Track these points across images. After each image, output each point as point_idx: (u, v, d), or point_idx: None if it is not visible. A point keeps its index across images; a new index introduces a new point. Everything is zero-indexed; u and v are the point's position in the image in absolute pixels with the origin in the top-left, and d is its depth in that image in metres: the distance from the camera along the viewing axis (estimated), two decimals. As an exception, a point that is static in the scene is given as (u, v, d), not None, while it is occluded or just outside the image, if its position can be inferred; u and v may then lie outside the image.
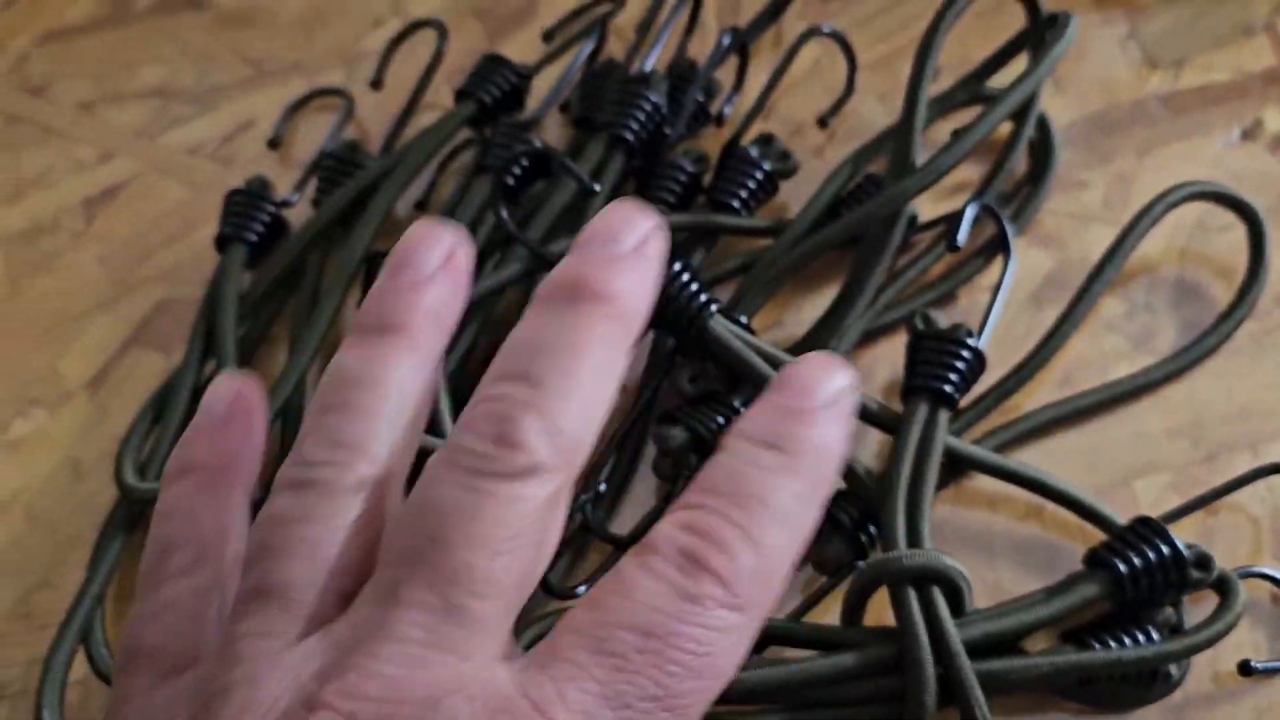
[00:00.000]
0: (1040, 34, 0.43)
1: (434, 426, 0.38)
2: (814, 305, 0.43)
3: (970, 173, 0.45)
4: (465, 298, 0.24)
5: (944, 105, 0.44)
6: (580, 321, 0.22)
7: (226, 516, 0.24)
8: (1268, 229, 0.42)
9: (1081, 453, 0.40)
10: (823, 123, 0.45)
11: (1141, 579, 0.34)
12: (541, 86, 0.46)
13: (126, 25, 0.50)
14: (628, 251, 0.23)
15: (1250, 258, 0.42)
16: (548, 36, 0.48)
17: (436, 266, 0.24)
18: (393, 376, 0.23)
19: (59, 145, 0.48)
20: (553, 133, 0.47)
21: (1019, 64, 0.45)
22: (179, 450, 0.26)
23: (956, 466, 0.38)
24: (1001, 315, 0.41)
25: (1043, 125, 0.44)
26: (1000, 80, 0.45)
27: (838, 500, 0.38)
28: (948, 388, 0.37)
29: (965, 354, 0.37)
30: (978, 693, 0.32)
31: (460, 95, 0.45)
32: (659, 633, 0.20)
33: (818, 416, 0.22)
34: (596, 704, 0.19)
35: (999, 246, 0.41)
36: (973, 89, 0.45)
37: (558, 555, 0.38)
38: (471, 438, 0.21)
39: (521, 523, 0.21)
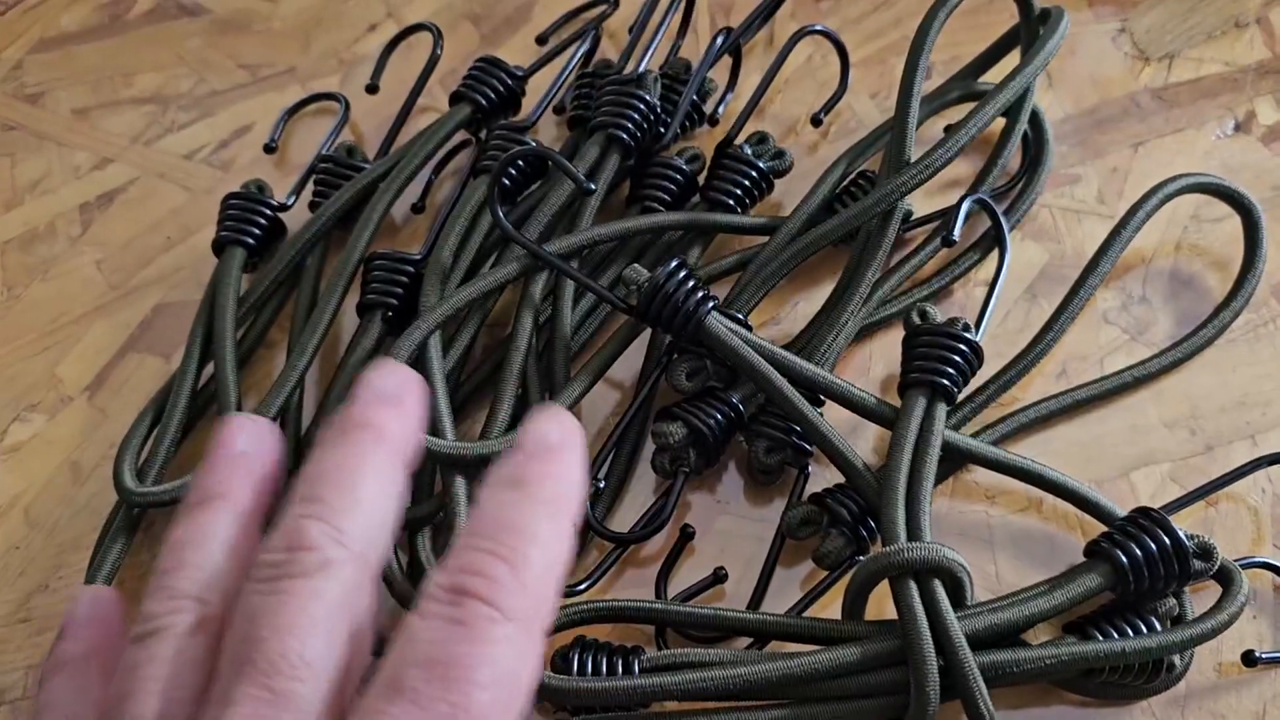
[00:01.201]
0: (1032, 30, 0.43)
1: (433, 430, 0.38)
2: (810, 301, 0.43)
3: (964, 169, 0.45)
4: (277, 462, 0.28)
5: (937, 102, 0.44)
6: (351, 449, 0.26)
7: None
8: (1263, 220, 0.42)
9: (1079, 445, 0.40)
10: (816, 121, 0.45)
11: (1143, 570, 0.34)
12: (537, 89, 0.46)
13: (122, 32, 0.51)
14: (389, 395, 0.27)
15: (1246, 249, 0.42)
16: (542, 39, 0.48)
17: (243, 448, 0.28)
18: (218, 534, 0.26)
19: (55, 152, 0.48)
20: (548, 134, 0.47)
21: (1012, 60, 0.45)
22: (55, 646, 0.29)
23: (954, 460, 0.38)
24: (997, 309, 0.41)
25: (1036, 120, 0.44)
26: (993, 77, 0.45)
27: (836, 496, 0.38)
28: (945, 381, 0.37)
29: (962, 347, 0.37)
30: (981, 685, 0.32)
31: (455, 98, 0.45)
32: (441, 660, 0.22)
33: (549, 454, 0.25)
34: None
35: (994, 241, 0.41)
36: (966, 85, 0.45)
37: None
38: (269, 553, 0.25)
39: (324, 610, 0.24)
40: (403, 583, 0.37)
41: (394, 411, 0.26)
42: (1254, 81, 0.47)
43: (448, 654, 0.22)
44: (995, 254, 0.41)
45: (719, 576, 0.38)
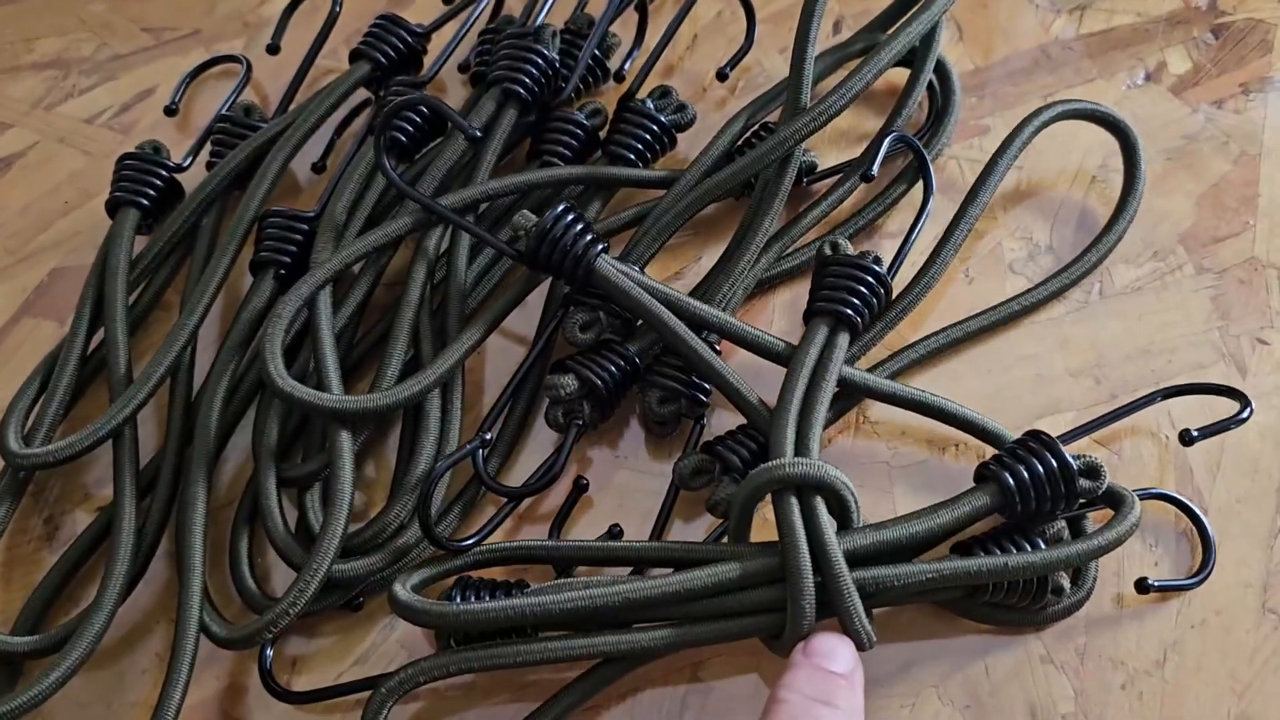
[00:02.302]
0: (936, -21, 0.42)
1: (320, 386, 0.37)
2: (711, 256, 0.43)
3: (871, 124, 0.45)
4: None
5: (841, 54, 0.44)
6: None
7: None
8: (1139, 142, 0.42)
9: (985, 396, 0.39)
10: (722, 75, 0.45)
11: (1029, 490, 0.34)
12: (439, 45, 0.46)
13: (24, -2, 0.50)
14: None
15: (1125, 171, 0.42)
16: (448, -2, 0.48)
17: None
18: None
19: (-45, 119, 0.48)
20: (455, 94, 0.47)
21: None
22: None
23: (852, 396, 0.38)
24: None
25: (942, 70, 0.44)
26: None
27: (728, 443, 0.37)
28: (849, 311, 0.37)
29: (869, 279, 0.37)
30: (856, 601, 0.32)
31: (354, 55, 0.44)
32: None
33: (852, 682, 0.31)
34: None
35: (916, 176, 0.41)
36: (872, 38, 0.45)
37: (447, 510, 0.38)
38: None
39: None
40: (284, 537, 0.36)
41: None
42: (1165, 32, 0.46)
43: None
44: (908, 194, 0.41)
45: (613, 533, 0.37)
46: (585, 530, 0.38)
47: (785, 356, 0.37)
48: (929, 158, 0.41)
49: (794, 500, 0.33)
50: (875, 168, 0.39)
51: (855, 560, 0.33)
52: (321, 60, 0.47)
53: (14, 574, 0.39)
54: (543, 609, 0.32)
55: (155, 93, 0.47)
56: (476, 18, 0.45)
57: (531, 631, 0.34)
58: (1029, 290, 0.41)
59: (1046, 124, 0.41)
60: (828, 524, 0.33)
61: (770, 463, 0.33)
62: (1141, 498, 0.36)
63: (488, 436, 0.37)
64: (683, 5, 0.44)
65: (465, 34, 0.45)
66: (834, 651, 0.32)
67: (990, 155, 0.41)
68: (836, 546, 0.32)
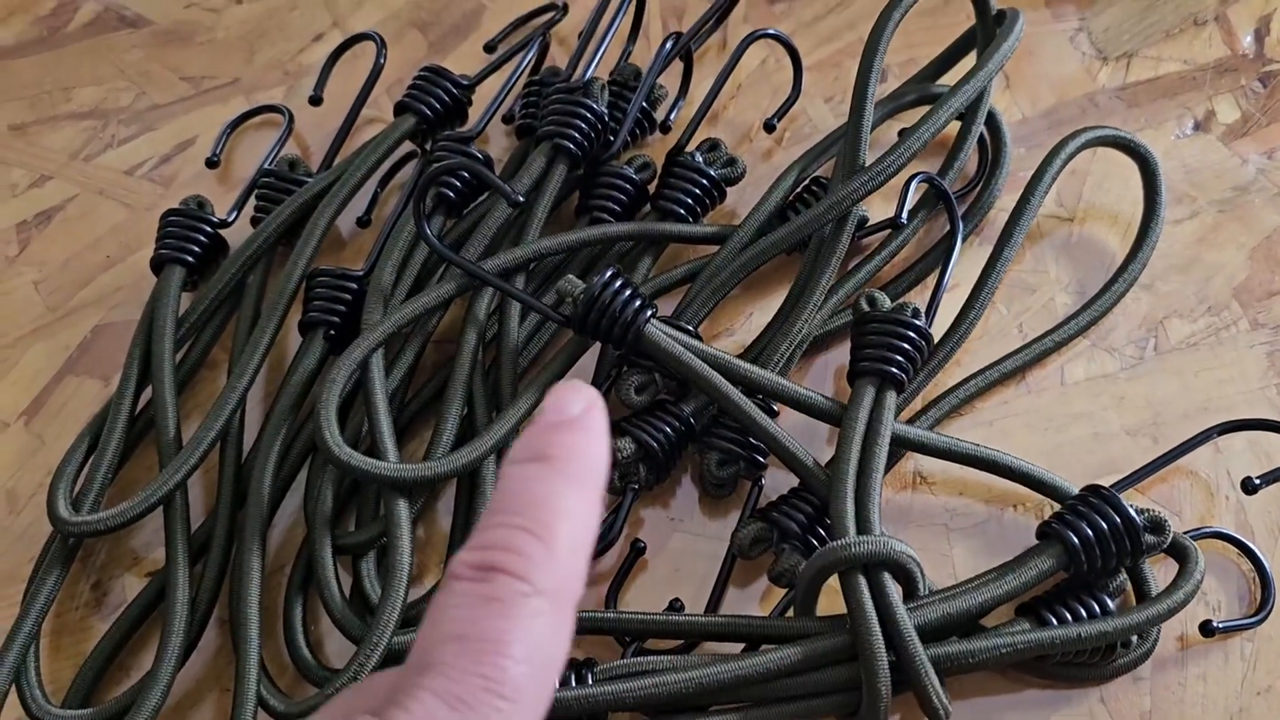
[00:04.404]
0: (989, 32, 0.42)
1: (376, 452, 0.37)
2: (765, 312, 0.42)
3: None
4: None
5: (892, 105, 0.44)
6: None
7: None
8: (1160, 169, 0.42)
9: (1040, 454, 0.39)
10: (769, 126, 0.44)
11: (1095, 548, 0.34)
12: (485, 98, 0.45)
13: (60, 46, 0.49)
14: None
15: (1145, 197, 0.42)
16: (490, 47, 0.47)
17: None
18: None
19: (-7, 170, 0.47)
20: (498, 144, 0.46)
21: (970, 63, 0.44)
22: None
23: (903, 448, 0.38)
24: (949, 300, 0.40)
25: (993, 122, 0.43)
26: (951, 79, 0.44)
27: (784, 508, 0.37)
28: (894, 370, 0.36)
29: (911, 334, 0.37)
30: (933, 678, 0.32)
31: (399, 109, 0.44)
32: (473, 635, 0.22)
33: (573, 426, 0.25)
34: (437, 708, 0.21)
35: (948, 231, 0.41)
36: (922, 89, 0.44)
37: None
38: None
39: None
40: (342, 608, 0.36)
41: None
42: (1213, 80, 0.46)
43: (480, 629, 0.22)
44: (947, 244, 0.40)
45: (674, 606, 0.37)
46: (640, 593, 0.38)
47: (837, 417, 0.37)
48: (951, 196, 0.41)
49: (862, 579, 0.32)
50: (904, 214, 0.39)
51: (925, 633, 0.33)
52: (363, 110, 0.46)
53: (62, 642, 0.38)
54: (616, 698, 0.32)
55: (195, 143, 0.47)
56: (523, 69, 0.44)
57: (603, 717, 0.33)
58: (1060, 326, 0.40)
59: (1074, 154, 0.41)
60: (898, 601, 0.32)
61: (836, 543, 0.33)
62: (1196, 537, 0.36)
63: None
64: (730, 57, 0.44)
65: (512, 86, 0.44)
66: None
67: (1041, 207, 0.41)
68: (910, 625, 0.32)
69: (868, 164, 0.39)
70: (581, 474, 0.24)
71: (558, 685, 0.23)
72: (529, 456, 0.24)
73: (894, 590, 0.33)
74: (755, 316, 0.42)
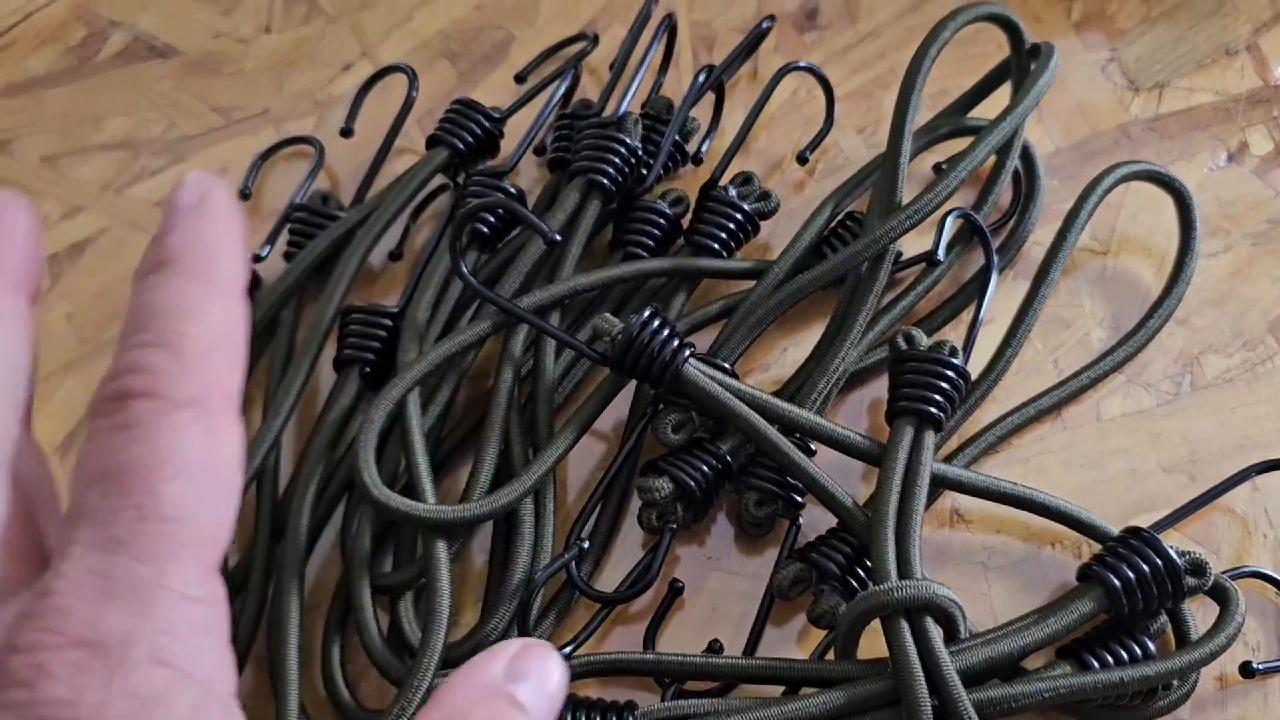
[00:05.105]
0: (1023, 64, 0.42)
1: (414, 493, 0.37)
2: (799, 347, 0.42)
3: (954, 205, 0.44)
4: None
5: (926, 138, 0.43)
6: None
7: None
8: (1194, 202, 0.41)
9: (1077, 492, 0.39)
10: (802, 159, 0.44)
11: (1136, 591, 0.34)
12: (515, 128, 0.45)
13: (90, 76, 0.49)
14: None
15: (1180, 233, 0.42)
16: (520, 78, 0.47)
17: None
18: None
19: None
20: (529, 175, 0.46)
21: (1002, 94, 0.44)
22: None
23: (942, 487, 0.38)
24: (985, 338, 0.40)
25: (1027, 156, 0.43)
26: (983, 110, 0.45)
27: (822, 549, 0.37)
28: (933, 409, 0.36)
29: (949, 373, 0.37)
30: None
31: (431, 142, 0.44)
32: (114, 470, 0.20)
33: (186, 221, 0.23)
34: (89, 556, 0.20)
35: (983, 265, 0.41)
36: (955, 121, 0.44)
37: (542, 616, 0.37)
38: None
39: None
40: (382, 650, 0.36)
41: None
42: (1245, 111, 0.46)
43: (119, 462, 0.20)
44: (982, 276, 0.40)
45: (714, 648, 0.37)
46: (677, 633, 0.38)
47: (876, 457, 0.37)
48: (987, 232, 0.41)
49: (905, 624, 0.32)
50: (941, 251, 0.39)
51: (967, 677, 0.33)
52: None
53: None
54: (662, 745, 0.32)
55: (226, 174, 0.47)
56: (557, 102, 0.44)
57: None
58: (1096, 362, 0.40)
59: (1110, 189, 0.41)
60: (941, 646, 0.32)
61: (879, 588, 0.33)
62: (1235, 577, 0.36)
63: (585, 545, 0.37)
64: (763, 91, 0.44)
65: (546, 120, 0.44)
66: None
67: (1058, 229, 0.41)
68: (953, 670, 0.32)
69: (905, 201, 0.39)
70: (202, 267, 0.22)
71: (241, 490, 0.22)
72: (148, 269, 0.23)
73: (937, 635, 0.33)
74: (790, 351, 0.42)
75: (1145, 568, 0.34)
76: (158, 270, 0.22)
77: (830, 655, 0.35)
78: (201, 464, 0.21)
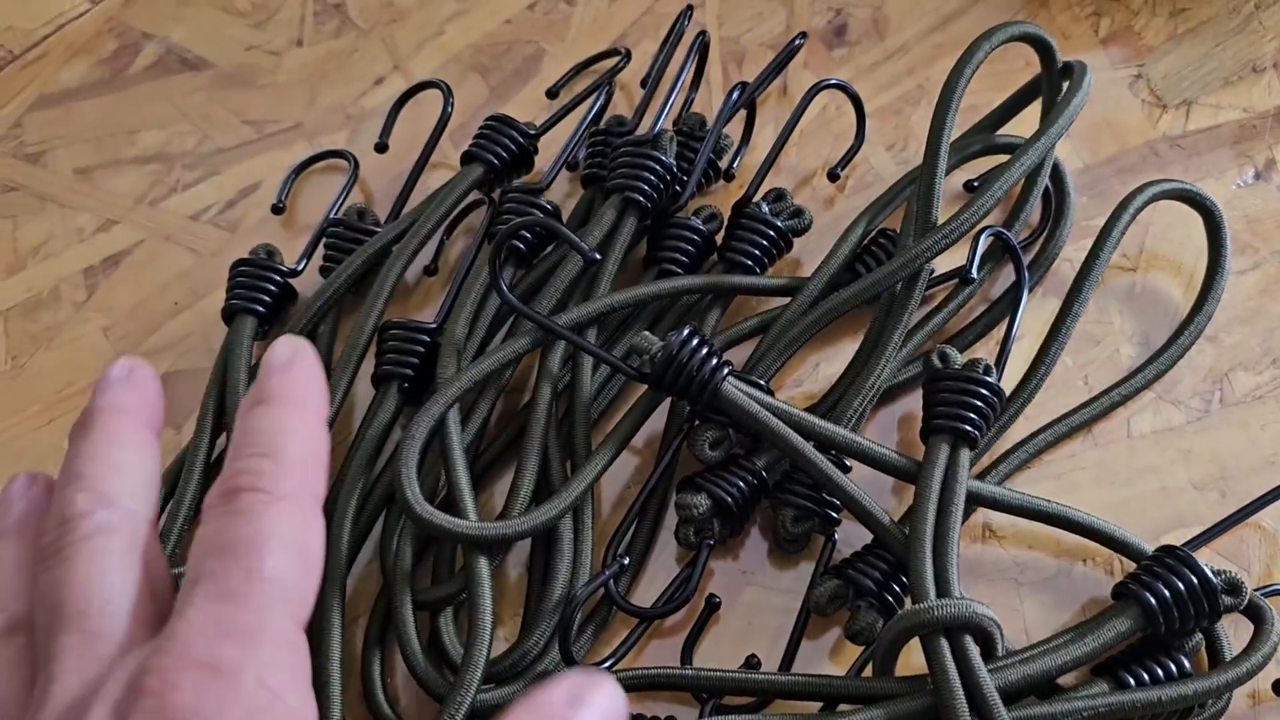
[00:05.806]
0: (1054, 83, 0.42)
1: (454, 509, 0.37)
2: (831, 363, 0.42)
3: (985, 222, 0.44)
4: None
5: (957, 156, 0.44)
6: (99, 430, 0.28)
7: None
8: (1225, 220, 0.42)
9: (1107, 509, 0.39)
10: (833, 176, 0.45)
11: (1172, 610, 0.34)
12: (548, 142, 0.45)
13: (123, 88, 0.50)
14: (116, 380, 0.30)
15: (1210, 251, 0.42)
16: (553, 94, 0.48)
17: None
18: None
19: (57, 214, 0.47)
20: (561, 190, 0.46)
21: (1033, 111, 0.44)
22: None
23: (977, 505, 0.38)
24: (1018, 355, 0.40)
25: (1057, 174, 0.44)
26: (1013, 128, 0.45)
27: (859, 565, 0.37)
28: (968, 427, 0.37)
29: (984, 391, 0.37)
30: None
31: (466, 158, 0.44)
32: (228, 544, 0.25)
33: (284, 369, 0.28)
34: (207, 605, 0.24)
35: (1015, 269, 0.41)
36: (986, 138, 0.44)
37: (580, 630, 0.37)
38: (46, 535, 0.27)
39: (112, 560, 0.26)
40: (424, 665, 0.36)
41: (125, 391, 0.29)
42: (1272, 128, 0.46)
43: (232, 538, 0.25)
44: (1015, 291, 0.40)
45: (751, 663, 0.37)
46: (712, 648, 0.38)
47: (911, 474, 0.37)
48: (1019, 251, 0.41)
49: (945, 642, 0.33)
50: (974, 269, 0.39)
51: (1005, 695, 0.33)
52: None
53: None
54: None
55: (260, 188, 0.47)
56: (592, 118, 0.45)
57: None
58: (1126, 379, 0.41)
59: (1142, 208, 0.41)
60: (980, 665, 0.33)
61: (918, 606, 0.33)
62: (1265, 594, 0.36)
63: (625, 562, 0.37)
64: (795, 109, 0.44)
65: (581, 136, 0.44)
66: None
67: (1090, 249, 0.42)
68: (992, 688, 0.32)
69: (940, 221, 0.39)
70: (297, 400, 0.28)
71: (321, 569, 0.26)
72: (250, 404, 0.28)
73: (976, 653, 0.33)
74: (823, 367, 0.42)
75: (1181, 586, 0.34)
76: (260, 404, 0.27)
77: (868, 671, 0.36)
78: (296, 543, 0.26)
